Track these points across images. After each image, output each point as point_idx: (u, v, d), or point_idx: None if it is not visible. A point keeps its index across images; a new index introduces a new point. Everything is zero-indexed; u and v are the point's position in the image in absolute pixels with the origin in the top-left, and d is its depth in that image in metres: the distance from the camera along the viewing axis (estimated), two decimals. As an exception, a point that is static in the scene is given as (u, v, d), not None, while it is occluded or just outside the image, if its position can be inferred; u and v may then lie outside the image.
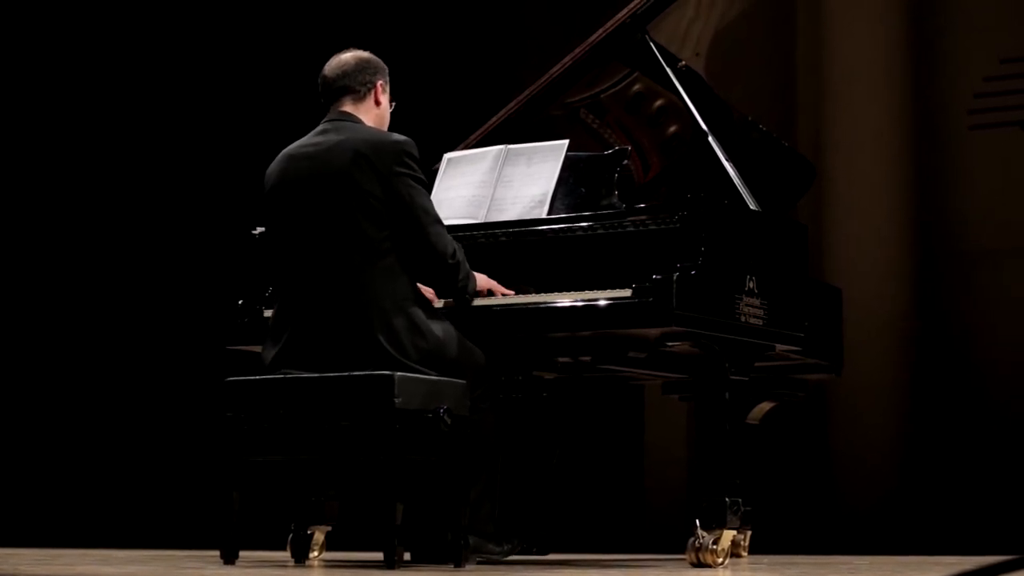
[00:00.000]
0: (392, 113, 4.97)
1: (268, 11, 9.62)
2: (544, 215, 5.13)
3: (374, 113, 4.86)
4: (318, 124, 4.86)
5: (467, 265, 4.80)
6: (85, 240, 9.36)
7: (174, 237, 9.42)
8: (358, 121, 4.80)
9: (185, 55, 9.58)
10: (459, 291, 4.79)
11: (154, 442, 9.11)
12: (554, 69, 5.67)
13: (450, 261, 4.71)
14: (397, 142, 4.70)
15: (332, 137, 4.73)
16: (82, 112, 9.39)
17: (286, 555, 5.13)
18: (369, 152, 4.64)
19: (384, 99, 4.90)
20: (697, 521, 4.88)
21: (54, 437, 9.14)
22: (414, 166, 4.68)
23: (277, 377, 4.61)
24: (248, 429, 4.57)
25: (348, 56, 4.90)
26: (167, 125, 9.52)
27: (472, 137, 5.72)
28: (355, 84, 4.84)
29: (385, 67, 4.94)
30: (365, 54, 4.93)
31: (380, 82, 4.88)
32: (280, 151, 4.88)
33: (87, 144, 9.42)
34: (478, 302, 4.91)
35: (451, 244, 4.72)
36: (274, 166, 4.83)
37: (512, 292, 4.97)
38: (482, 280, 4.92)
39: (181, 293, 9.28)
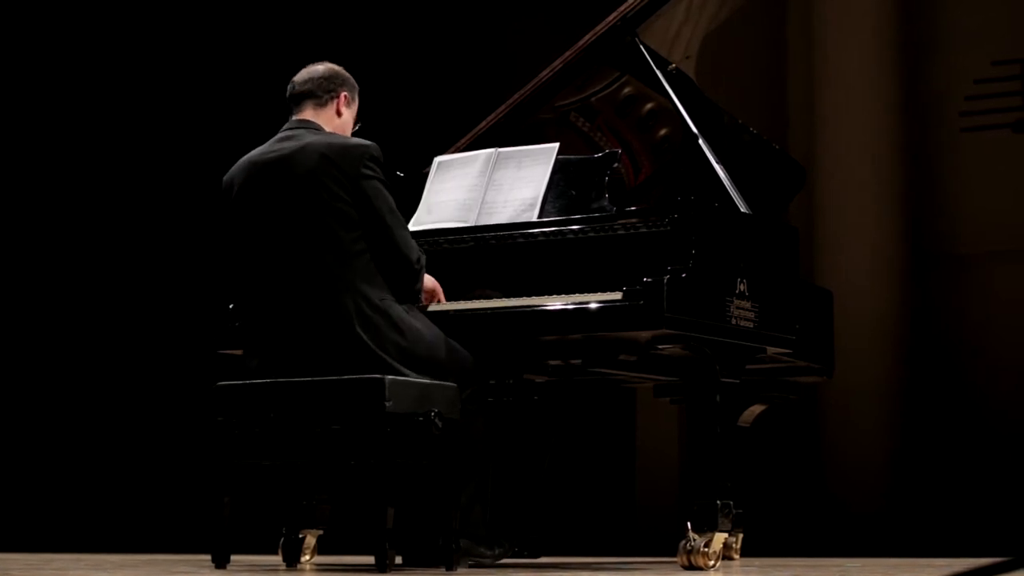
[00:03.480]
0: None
1: (259, 17, 9.62)
2: (535, 218, 5.13)
3: (335, 123, 4.87)
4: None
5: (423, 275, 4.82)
6: (77, 244, 9.36)
7: (165, 241, 9.41)
8: (319, 129, 4.81)
9: (178, 61, 9.58)
10: (415, 293, 4.78)
11: (146, 446, 9.11)
12: (544, 72, 5.66)
13: (415, 266, 4.70)
14: (362, 145, 4.70)
15: (294, 143, 4.73)
16: (76, 118, 9.38)
17: (277, 559, 5.13)
18: (334, 156, 4.65)
19: (347, 112, 4.91)
20: (688, 524, 4.88)
21: (46, 441, 9.14)
22: (379, 169, 4.68)
23: (268, 381, 4.60)
24: (239, 433, 4.57)
25: (319, 66, 4.95)
26: (159, 130, 9.52)
27: (462, 141, 5.72)
28: (319, 90, 4.87)
29: (355, 84, 4.96)
30: (336, 67, 4.96)
31: (344, 93, 4.90)
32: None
33: (79, 149, 9.42)
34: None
35: (416, 249, 4.73)
36: (236, 173, 4.81)
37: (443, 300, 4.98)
38: (429, 281, 4.92)
39: (172, 297, 9.27)
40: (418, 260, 4.71)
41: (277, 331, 4.66)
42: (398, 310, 4.63)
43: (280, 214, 4.68)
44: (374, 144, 4.72)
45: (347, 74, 4.95)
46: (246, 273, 4.76)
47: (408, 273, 4.71)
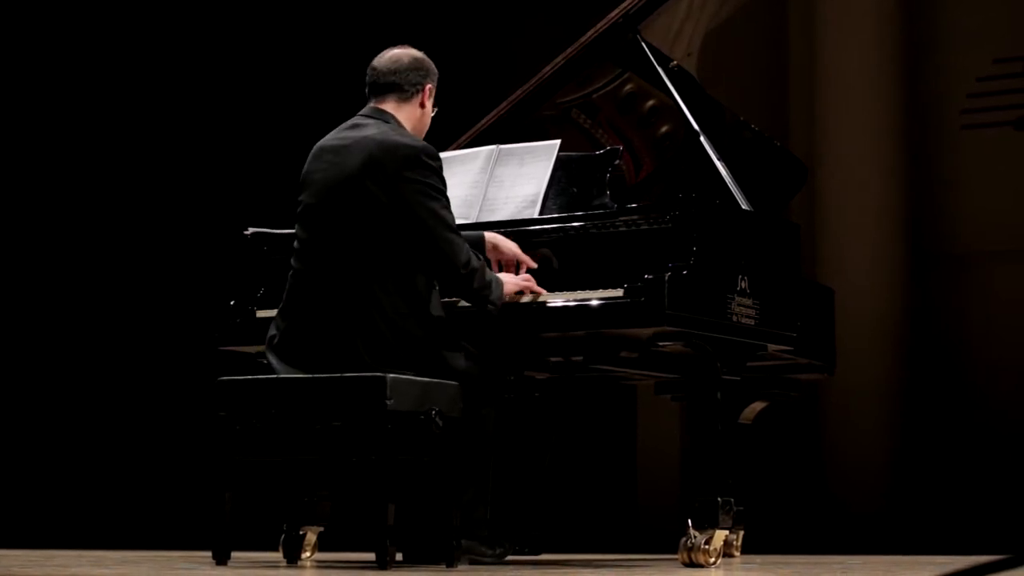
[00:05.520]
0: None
1: (260, 16, 9.62)
2: (536, 215, 5.13)
3: (416, 116, 4.81)
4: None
5: (489, 273, 4.69)
6: (79, 241, 9.36)
7: (167, 238, 9.41)
8: (391, 120, 4.74)
9: (179, 58, 9.58)
10: (480, 299, 4.67)
11: (147, 442, 9.11)
12: (546, 69, 5.66)
13: (463, 271, 4.61)
14: (410, 146, 4.64)
15: (357, 134, 4.69)
16: (79, 114, 9.38)
17: (278, 555, 5.13)
18: (381, 155, 4.60)
19: (429, 104, 4.85)
20: (689, 521, 4.88)
21: (48, 438, 9.14)
22: (427, 173, 4.61)
23: (270, 377, 4.61)
24: (240, 429, 4.56)
25: (402, 52, 4.85)
26: (161, 128, 9.52)
27: (464, 137, 5.72)
28: (404, 83, 4.79)
29: (436, 72, 4.88)
30: (419, 54, 4.87)
31: (429, 85, 4.83)
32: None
33: (82, 147, 9.42)
34: (524, 299, 4.89)
35: (465, 252, 4.62)
36: (309, 156, 4.80)
37: (543, 291, 4.91)
38: (511, 283, 4.81)
39: (174, 294, 9.28)
40: (467, 264, 4.60)
41: (293, 320, 4.66)
42: (412, 324, 4.58)
43: (322, 207, 4.66)
44: (426, 146, 4.65)
45: (430, 61, 4.86)
46: (294, 252, 4.73)
47: (455, 279, 4.62)
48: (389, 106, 4.80)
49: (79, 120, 9.39)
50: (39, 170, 9.35)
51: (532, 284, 4.89)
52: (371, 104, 4.82)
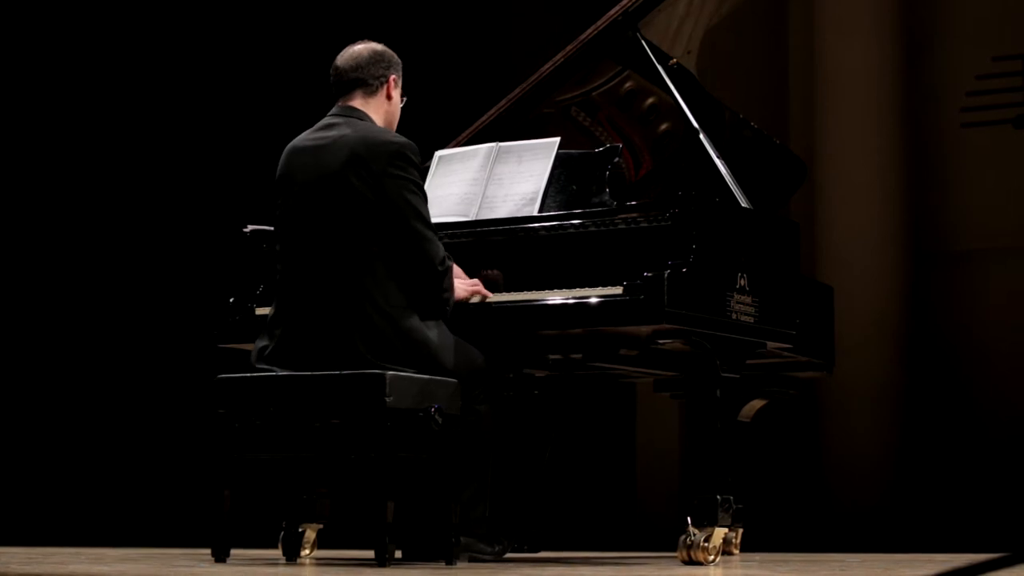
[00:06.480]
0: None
1: (257, 13, 9.62)
2: (535, 213, 5.13)
3: (384, 108, 4.82)
4: (323, 116, 4.83)
5: (452, 278, 4.73)
6: (79, 240, 9.36)
7: (166, 235, 9.41)
8: (364, 117, 4.76)
9: (178, 56, 9.58)
10: (442, 301, 4.69)
11: (146, 440, 9.11)
12: (545, 67, 5.66)
13: (439, 268, 4.63)
14: (394, 143, 4.65)
15: (333, 133, 4.70)
16: (78, 115, 9.38)
17: (277, 553, 5.13)
18: (364, 152, 4.61)
19: (396, 94, 4.86)
20: (688, 519, 4.88)
21: (46, 435, 9.13)
22: (410, 169, 4.63)
23: (269, 375, 4.60)
24: (240, 427, 4.57)
25: (362, 48, 4.85)
26: (159, 125, 9.52)
27: (463, 135, 5.72)
28: (368, 77, 4.80)
29: (399, 61, 4.89)
30: (379, 47, 4.88)
31: (393, 76, 4.84)
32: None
33: (81, 145, 9.41)
34: (473, 300, 4.91)
35: (441, 251, 4.66)
36: (282, 158, 4.80)
37: (489, 294, 4.94)
38: (461, 288, 4.83)
39: (173, 291, 9.28)
40: (442, 262, 4.64)
41: (287, 324, 4.65)
42: (411, 319, 4.58)
43: (307, 209, 4.66)
44: (409, 142, 4.66)
45: (391, 52, 4.88)
46: (279, 260, 4.74)
47: (431, 275, 4.64)
48: (357, 102, 4.80)
49: (78, 120, 9.38)
50: (39, 170, 9.35)
51: (480, 288, 4.91)
52: (339, 103, 4.83)
